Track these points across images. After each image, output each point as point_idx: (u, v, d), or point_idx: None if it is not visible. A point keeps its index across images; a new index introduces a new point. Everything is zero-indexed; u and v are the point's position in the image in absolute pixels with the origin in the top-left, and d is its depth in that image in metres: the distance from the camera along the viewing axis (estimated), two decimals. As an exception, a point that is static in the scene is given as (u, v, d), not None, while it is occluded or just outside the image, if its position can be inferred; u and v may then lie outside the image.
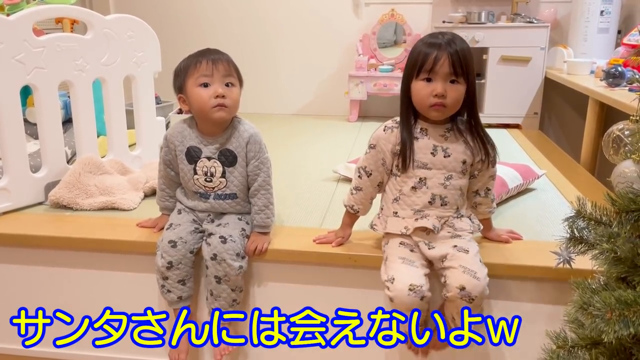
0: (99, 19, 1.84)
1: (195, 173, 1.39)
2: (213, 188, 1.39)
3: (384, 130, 1.31)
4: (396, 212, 1.30)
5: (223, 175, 1.38)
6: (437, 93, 1.20)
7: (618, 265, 0.88)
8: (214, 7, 3.48)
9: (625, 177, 1.28)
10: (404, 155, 1.26)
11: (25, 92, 2.01)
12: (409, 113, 1.28)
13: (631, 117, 1.54)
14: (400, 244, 1.27)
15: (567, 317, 1.00)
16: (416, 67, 1.22)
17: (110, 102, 1.93)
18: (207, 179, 1.38)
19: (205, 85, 1.32)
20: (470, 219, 1.31)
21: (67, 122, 2.06)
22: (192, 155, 1.38)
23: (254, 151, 1.38)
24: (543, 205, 1.74)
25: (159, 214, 1.52)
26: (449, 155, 1.27)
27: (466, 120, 1.29)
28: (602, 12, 2.80)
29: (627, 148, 1.48)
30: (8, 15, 1.72)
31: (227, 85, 1.33)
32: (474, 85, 1.25)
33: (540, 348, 1.27)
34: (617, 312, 0.78)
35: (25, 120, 1.73)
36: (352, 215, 1.40)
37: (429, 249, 1.24)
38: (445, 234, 1.27)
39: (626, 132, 1.58)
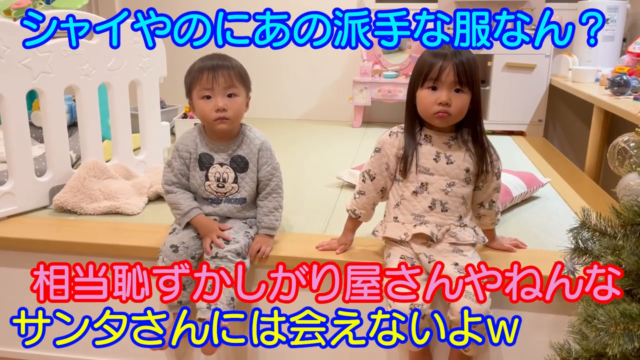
0: (105, 23, 1.85)
1: (207, 179, 1.40)
2: (225, 193, 1.41)
3: (389, 135, 1.32)
4: (396, 217, 1.31)
5: (235, 180, 1.40)
6: (441, 101, 1.22)
7: (623, 278, 0.88)
8: (219, 8, 3.49)
9: (630, 190, 1.27)
10: (406, 159, 1.28)
11: (31, 95, 2.02)
12: (414, 121, 1.30)
13: (636, 129, 1.54)
14: (402, 257, 1.27)
15: (571, 328, 1.00)
16: (422, 75, 1.24)
17: (115, 106, 1.93)
18: (220, 185, 1.40)
19: (208, 97, 1.33)
20: (474, 231, 1.31)
21: (72, 126, 2.07)
22: (204, 162, 1.40)
23: (265, 157, 1.41)
24: (547, 213, 1.73)
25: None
26: (452, 162, 1.28)
27: (471, 130, 1.29)
28: (607, 20, 2.80)
29: (632, 160, 1.48)
30: (15, 19, 1.73)
31: (229, 95, 1.34)
32: (479, 95, 1.26)
33: (539, 351, 1.28)
34: (621, 325, 0.78)
35: (31, 124, 1.74)
36: (354, 221, 1.40)
37: (429, 262, 1.24)
38: (446, 246, 1.27)
39: (631, 144, 1.58)
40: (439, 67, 1.21)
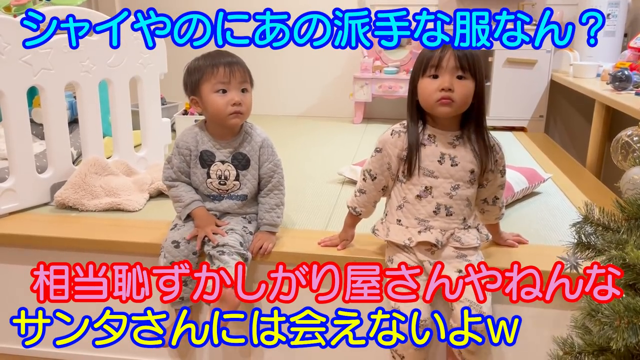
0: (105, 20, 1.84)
1: (209, 177, 1.40)
2: (227, 190, 1.41)
3: (391, 135, 1.28)
4: (400, 220, 1.28)
5: (237, 178, 1.40)
6: (444, 87, 1.17)
7: (626, 272, 0.87)
8: (219, 8, 3.48)
9: (634, 184, 1.27)
10: (410, 162, 1.24)
11: (32, 92, 2.02)
12: (416, 118, 1.26)
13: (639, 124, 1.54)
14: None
15: (574, 322, 1.00)
16: (422, 66, 1.21)
17: (116, 103, 1.93)
18: (222, 182, 1.40)
19: (223, 91, 1.33)
20: (478, 230, 1.30)
21: (73, 122, 2.07)
22: (205, 160, 1.39)
23: (267, 154, 1.41)
24: (549, 209, 1.73)
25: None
26: (456, 164, 1.24)
27: (475, 128, 1.25)
28: (608, 15, 2.79)
29: (635, 154, 1.48)
30: (15, 16, 1.73)
31: (242, 91, 1.35)
32: (482, 87, 1.22)
33: (540, 348, 1.28)
34: (625, 319, 0.78)
35: (31, 121, 1.73)
36: (354, 217, 1.39)
37: None
38: (450, 253, 1.25)
39: (635, 138, 1.57)
40: (439, 53, 1.18)
